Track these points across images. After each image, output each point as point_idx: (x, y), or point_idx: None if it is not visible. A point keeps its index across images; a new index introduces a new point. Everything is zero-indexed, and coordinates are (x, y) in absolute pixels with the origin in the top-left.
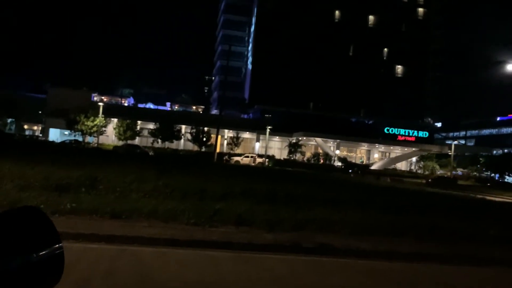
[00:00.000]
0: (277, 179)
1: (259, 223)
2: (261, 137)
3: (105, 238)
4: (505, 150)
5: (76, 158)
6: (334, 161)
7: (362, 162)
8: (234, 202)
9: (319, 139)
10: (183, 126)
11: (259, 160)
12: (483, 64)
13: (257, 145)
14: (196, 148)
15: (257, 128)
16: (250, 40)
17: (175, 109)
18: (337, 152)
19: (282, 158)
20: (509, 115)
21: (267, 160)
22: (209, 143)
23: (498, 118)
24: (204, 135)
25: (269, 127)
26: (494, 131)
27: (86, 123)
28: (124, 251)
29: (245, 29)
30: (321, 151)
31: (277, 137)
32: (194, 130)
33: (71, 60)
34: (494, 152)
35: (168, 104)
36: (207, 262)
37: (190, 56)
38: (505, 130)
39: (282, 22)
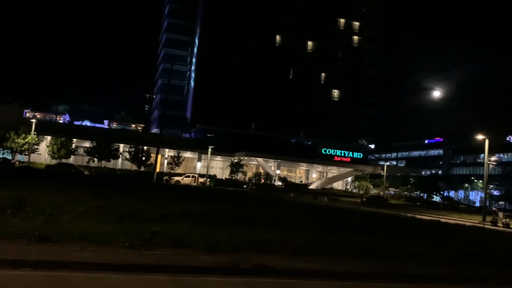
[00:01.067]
0: (217, 199)
1: (197, 245)
2: (203, 156)
3: (31, 264)
4: (433, 171)
5: (3, 178)
6: (274, 180)
7: (301, 181)
8: (173, 224)
9: (260, 159)
10: (121, 145)
11: (200, 180)
12: (413, 90)
13: (199, 164)
14: (134, 167)
15: (199, 148)
16: (193, 59)
17: (113, 127)
18: (278, 172)
19: (224, 178)
20: (436, 138)
21: (208, 180)
22: (149, 162)
23: (426, 141)
24: (144, 154)
25: (211, 146)
26: (422, 153)
27: (16, 140)
28: (53, 277)
29: (188, 49)
30: (262, 171)
31: (219, 156)
32: (133, 149)
33: (3, 75)
34: (423, 172)
35: (106, 122)
36: (141, 286)
37: (131, 74)
38: (433, 152)
39: (224, 44)
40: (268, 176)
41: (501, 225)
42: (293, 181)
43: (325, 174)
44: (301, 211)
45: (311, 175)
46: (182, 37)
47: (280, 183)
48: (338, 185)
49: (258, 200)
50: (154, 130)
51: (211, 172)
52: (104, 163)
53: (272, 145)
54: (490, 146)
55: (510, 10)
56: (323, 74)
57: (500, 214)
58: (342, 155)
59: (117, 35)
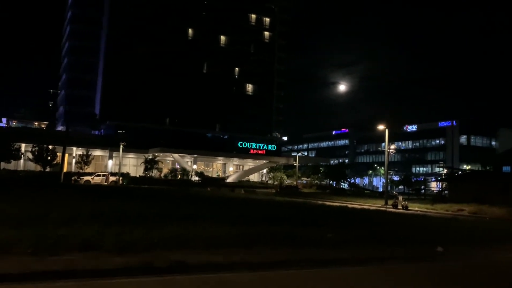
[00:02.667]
0: (130, 197)
1: (108, 246)
2: (115, 154)
3: None
4: (340, 160)
5: None
6: (191, 176)
7: (219, 175)
8: (82, 226)
9: (176, 155)
10: (23, 144)
11: (112, 178)
12: (321, 84)
13: (110, 163)
14: (39, 168)
15: (110, 145)
16: (101, 52)
17: (13, 126)
18: (195, 167)
19: (138, 176)
20: (342, 129)
21: (121, 178)
22: (55, 162)
23: (334, 132)
24: (49, 153)
25: (123, 143)
26: (331, 143)
27: None
28: None
29: (95, 41)
30: (178, 166)
31: (132, 153)
32: (36, 149)
33: None
34: (332, 162)
35: (4, 120)
36: None
37: (33, 67)
38: (340, 142)
39: (134, 36)
40: (184, 171)
41: (401, 207)
42: (210, 175)
43: (241, 167)
44: (217, 204)
45: (228, 169)
46: (88, 28)
47: (197, 178)
48: (254, 177)
49: (173, 196)
50: (60, 128)
51: (124, 170)
52: (3, 165)
53: (188, 140)
54: (390, 136)
55: (405, 8)
56: (236, 68)
57: (400, 198)
58: (257, 148)
59: (14, 25)
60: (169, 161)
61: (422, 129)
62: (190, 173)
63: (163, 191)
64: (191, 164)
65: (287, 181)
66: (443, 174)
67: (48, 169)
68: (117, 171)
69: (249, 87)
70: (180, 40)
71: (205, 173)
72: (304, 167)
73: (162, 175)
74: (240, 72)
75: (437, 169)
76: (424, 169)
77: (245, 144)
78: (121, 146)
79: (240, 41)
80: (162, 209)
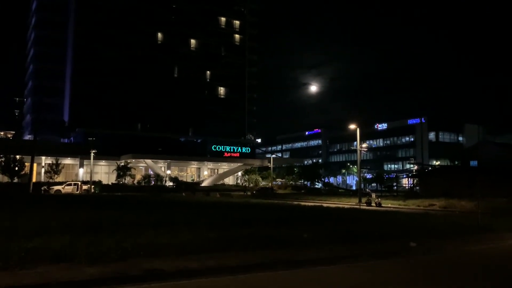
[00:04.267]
0: (103, 206)
1: (81, 257)
2: (86, 162)
3: None
4: (314, 160)
5: None
6: (165, 181)
7: (193, 180)
8: (53, 237)
9: (149, 161)
10: None
11: (84, 187)
12: (293, 85)
13: (81, 171)
14: (6, 179)
15: (80, 153)
16: (68, 58)
17: None
18: (168, 172)
19: (110, 183)
20: (315, 130)
21: (93, 186)
22: (23, 172)
23: (307, 133)
24: (16, 163)
25: (94, 151)
26: (304, 144)
27: None
28: None
29: (62, 46)
30: (152, 172)
31: (104, 161)
32: (3, 159)
33: None
34: (305, 162)
35: None
36: None
37: None
38: (313, 143)
39: (102, 41)
40: (158, 177)
41: (375, 204)
42: (185, 180)
43: (216, 170)
44: (191, 209)
45: (203, 173)
46: (54, 34)
47: (171, 184)
48: (229, 180)
49: (147, 203)
50: (28, 137)
51: (96, 178)
52: None
53: (161, 145)
54: (361, 134)
55: (369, 7)
56: (208, 72)
57: (373, 195)
58: (232, 150)
59: None
60: (142, 167)
61: (392, 127)
62: (164, 178)
63: (136, 198)
64: (165, 169)
65: (263, 183)
66: (414, 171)
67: (16, 180)
68: (88, 179)
69: (221, 90)
70: (149, 44)
71: (180, 178)
72: (278, 168)
73: (136, 182)
74: (212, 75)
75: (408, 166)
76: (396, 166)
77: (219, 148)
78: (92, 154)
79: (211, 44)
80: (136, 216)
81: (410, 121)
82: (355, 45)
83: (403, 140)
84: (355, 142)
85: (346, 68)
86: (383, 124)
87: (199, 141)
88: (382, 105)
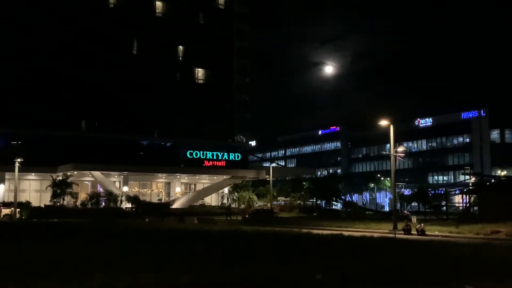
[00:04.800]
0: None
1: None
2: (8, 175)
3: None
4: (330, 171)
5: None
6: (121, 202)
7: (160, 199)
8: None
9: (97, 173)
10: None
11: (5, 211)
12: (299, 67)
13: (1, 188)
14: None
15: (0, 163)
16: None
17: None
18: (125, 189)
19: (43, 205)
20: (331, 128)
21: (18, 210)
22: None
23: (320, 132)
24: None
25: (19, 159)
26: (316, 147)
27: None
28: None
29: None
30: (102, 189)
31: (34, 173)
32: None
33: None
34: (319, 173)
35: None
36: None
37: None
38: (328, 146)
39: (27, 6)
40: (111, 196)
41: (416, 232)
42: (148, 200)
43: (193, 186)
44: (156, 242)
45: (174, 189)
46: None
47: (129, 205)
48: (211, 200)
49: (94, 233)
50: None
51: (23, 198)
52: None
53: (115, 151)
54: (396, 134)
55: None
56: (180, 47)
57: (413, 219)
58: (215, 158)
59: None
60: (88, 182)
61: (439, 123)
62: (120, 198)
63: (80, 225)
64: (121, 185)
65: (258, 203)
66: (470, 184)
67: None
68: (12, 200)
69: (199, 73)
70: (97, 10)
71: (142, 197)
72: (281, 183)
73: (79, 202)
74: (186, 52)
75: (461, 177)
76: (445, 178)
77: (196, 154)
78: (17, 164)
79: (184, 8)
80: (78, 252)
81: (465, 115)
82: (387, 10)
83: (455, 141)
84: (388, 145)
85: (374, 42)
86: (427, 119)
87: (168, 144)
88: (425, 93)
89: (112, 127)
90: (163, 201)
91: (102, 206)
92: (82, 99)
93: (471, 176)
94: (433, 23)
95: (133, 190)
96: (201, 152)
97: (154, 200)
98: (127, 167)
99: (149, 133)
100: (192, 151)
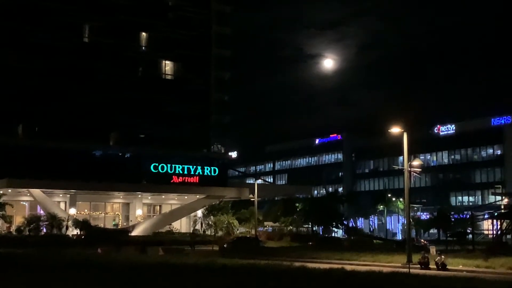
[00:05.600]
0: None
1: None
2: None
3: None
4: (330, 189)
5: None
6: (67, 227)
7: (117, 225)
8: None
9: (37, 191)
10: None
11: None
12: (292, 59)
13: None
14: None
15: None
16: None
17: None
18: (73, 211)
19: None
20: (332, 136)
21: None
22: None
23: (317, 141)
24: None
25: None
26: (313, 159)
27: None
28: None
29: None
30: (43, 212)
31: None
32: None
33: None
34: (315, 192)
35: None
36: None
37: None
38: (328, 158)
39: None
40: (54, 220)
41: (435, 266)
42: (102, 225)
43: (158, 207)
44: (108, 282)
45: (135, 212)
46: None
47: (77, 232)
48: (181, 225)
49: (31, 268)
50: None
51: None
52: None
53: (60, 164)
54: (411, 144)
55: None
56: (143, 34)
57: (432, 250)
58: (186, 172)
59: None
60: (25, 202)
61: (463, 130)
62: (65, 222)
63: (11, 258)
64: (67, 206)
65: (240, 230)
66: (502, 207)
67: None
68: None
69: (167, 66)
70: None
71: (93, 222)
72: (268, 204)
73: (14, 228)
74: (150, 40)
75: (491, 198)
76: (471, 198)
77: (163, 168)
78: None
79: None
80: None
81: (495, 121)
82: None
83: (483, 153)
84: (401, 158)
85: (385, 30)
86: (449, 126)
87: (128, 155)
88: (447, 95)
89: (57, 134)
90: (120, 226)
91: (43, 233)
92: (18, 98)
93: (503, 197)
94: (456, 9)
95: (82, 212)
96: (169, 165)
97: (109, 225)
98: (74, 184)
99: (103, 141)
100: (157, 164)
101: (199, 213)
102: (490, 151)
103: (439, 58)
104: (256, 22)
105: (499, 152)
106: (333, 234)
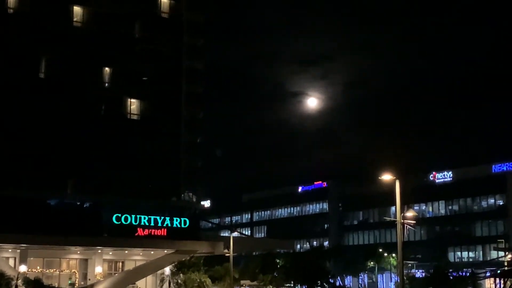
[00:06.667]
0: None
1: None
2: None
3: None
4: (314, 243)
5: None
6: (17, 286)
7: (73, 284)
8: None
9: None
10: None
11: None
12: (275, 97)
13: None
14: None
15: None
16: None
17: None
18: (23, 268)
19: None
20: (317, 183)
21: None
22: None
23: (301, 189)
24: None
25: None
26: (295, 210)
27: None
28: None
29: None
30: None
31: None
32: None
33: None
34: (298, 246)
35: None
36: None
37: None
38: (312, 208)
39: None
40: (2, 279)
41: None
42: (56, 284)
43: (120, 264)
44: None
45: (94, 269)
46: None
47: None
48: (147, 284)
49: None
50: None
51: None
52: None
53: (8, 214)
54: (405, 192)
55: None
56: (107, 69)
57: None
58: (153, 224)
59: None
60: None
61: (462, 178)
62: (14, 281)
63: None
64: (16, 262)
65: None
66: (506, 263)
67: None
68: None
69: (133, 104)
70: None
71: (46, 281)
72: (245, 259)
73: None
74: (115, 75)
75: (493, 254)
76: (471, 254)
77: (127, 219)
78: None
79: (114, 16)
80: None
81: (497, 168)
82: (386, 24)
83: (484, 203)
84: (393, 208)
85: (373, 65)
86: (446, 172)
87: (87, 205)
88: (441, 138)
89: (6, 179)
90: (77, 286)
91: None
92: None
93: (507, 252)
94: (454, 40)
95: (34, 270)
96: (133, 216)
97: (64, 284)
98: (25, 238)
99: (59, 187)
100: (120, 215)
101: (167, 270)
102: (492, 201)
103: (433, 97)
104: (232, 56)
105: (501, 202)
106: None
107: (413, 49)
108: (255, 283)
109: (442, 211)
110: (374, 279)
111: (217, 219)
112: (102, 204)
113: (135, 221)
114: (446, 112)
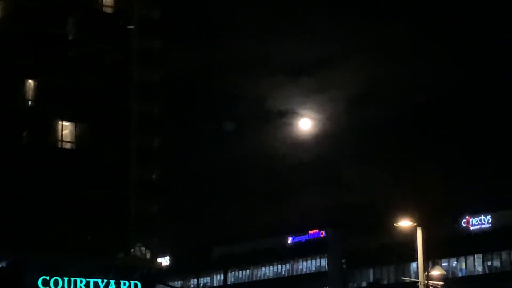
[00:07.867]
0: None
1: None
2: None
3: None
4: None
5: None
6: None
7: None
8: None
9: None
10: None
11: None
12: (253, 119)
13: None
14: None
15: None
16: None
17: None
18: None
19: None
20: (312, 231)
21: None
22: None
23: (291, 239)
24: None
25: None
26: (284, 268)
27: None
28: None
29: None
30: None
31: None
32: None
33: None
34: None
35: None
36: None
37: None
38: (305, 266)
39: None
40: None
41: None
42: None
43: None
44: None
45: None
46: None
47: None
48: None
49: None
50: None
51: None
52: None
53: None
54: (430, 244)
55: None
56: (30, 82)
57: None
58: (93, 287)
59: None
60: None
61: (503, 224)
62: None
63: None
64: None
65: None
66: None
67: None
68: None
69: (66, 129)
70: None
71: None
72: None
73: None
74: (40, 90)
75: None
76: None
77: (57, 282)
78: None
79: (39, 12)
80: None
81: None
82: (398, 23)
83: None
84: (414, 265)
85: (379, 76)
86: (483, 217)
87: (4, 265)
88: (474, 172)
89: None
90: None
91: None
92: None
93: None
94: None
95: None
96: (66, 278)
97: None
98: None
99: None
100: (48, 278)
101: None
102: None
103: (467, 118)
104: (199, 66)
105: None
106: None
107: (441, 51)
108: None
109: (479, 268)
110: None
111: (179, 282)
112: (24, 263)
113: (68, 285)
114: (482, 138)
